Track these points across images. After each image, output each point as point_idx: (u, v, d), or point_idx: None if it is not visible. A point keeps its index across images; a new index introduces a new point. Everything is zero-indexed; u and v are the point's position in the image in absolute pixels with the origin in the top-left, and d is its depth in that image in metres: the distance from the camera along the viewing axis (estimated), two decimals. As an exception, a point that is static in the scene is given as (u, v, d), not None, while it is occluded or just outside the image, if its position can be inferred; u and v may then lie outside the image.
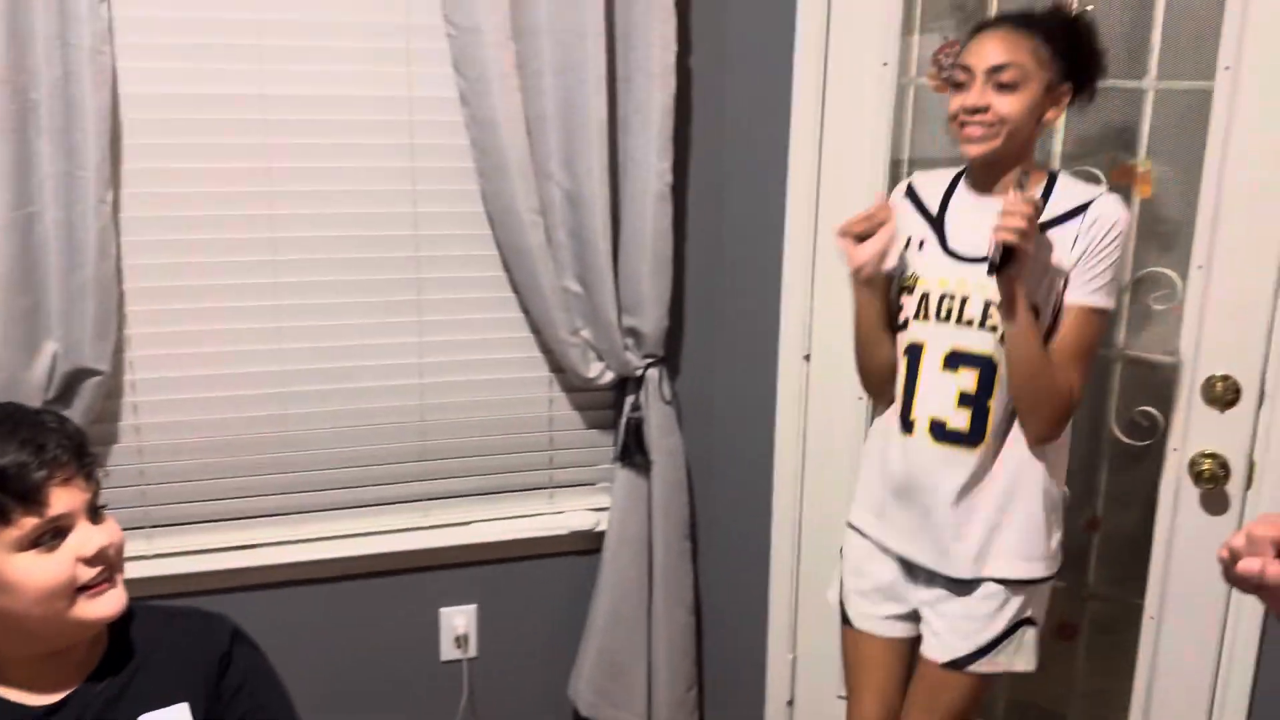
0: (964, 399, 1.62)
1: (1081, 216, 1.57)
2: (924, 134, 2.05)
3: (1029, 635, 1.69)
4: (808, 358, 2.13)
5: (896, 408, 1.71)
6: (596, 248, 2.04)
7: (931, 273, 1.66)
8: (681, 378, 2.26)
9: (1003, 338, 1.57)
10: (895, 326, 1.72)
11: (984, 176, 1.64)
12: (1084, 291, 1.57)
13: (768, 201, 2.09)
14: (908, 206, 1.73)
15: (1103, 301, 1.59)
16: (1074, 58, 1.58)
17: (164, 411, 1.99)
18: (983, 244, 1.56)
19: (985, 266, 1.54)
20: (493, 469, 2.23)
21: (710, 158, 2.13)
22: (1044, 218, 1.56)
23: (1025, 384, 1.58)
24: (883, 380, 1.75)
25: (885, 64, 1.93)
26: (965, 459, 1.63)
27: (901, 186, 1.77)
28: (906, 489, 1.70)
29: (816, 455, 2.16)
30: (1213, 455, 1.76)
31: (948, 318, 1.63)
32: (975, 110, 1.55)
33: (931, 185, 1.73)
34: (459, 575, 2.23)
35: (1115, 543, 2.02)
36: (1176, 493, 1.81)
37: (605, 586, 2.23)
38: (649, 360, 2.16)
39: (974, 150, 1.57)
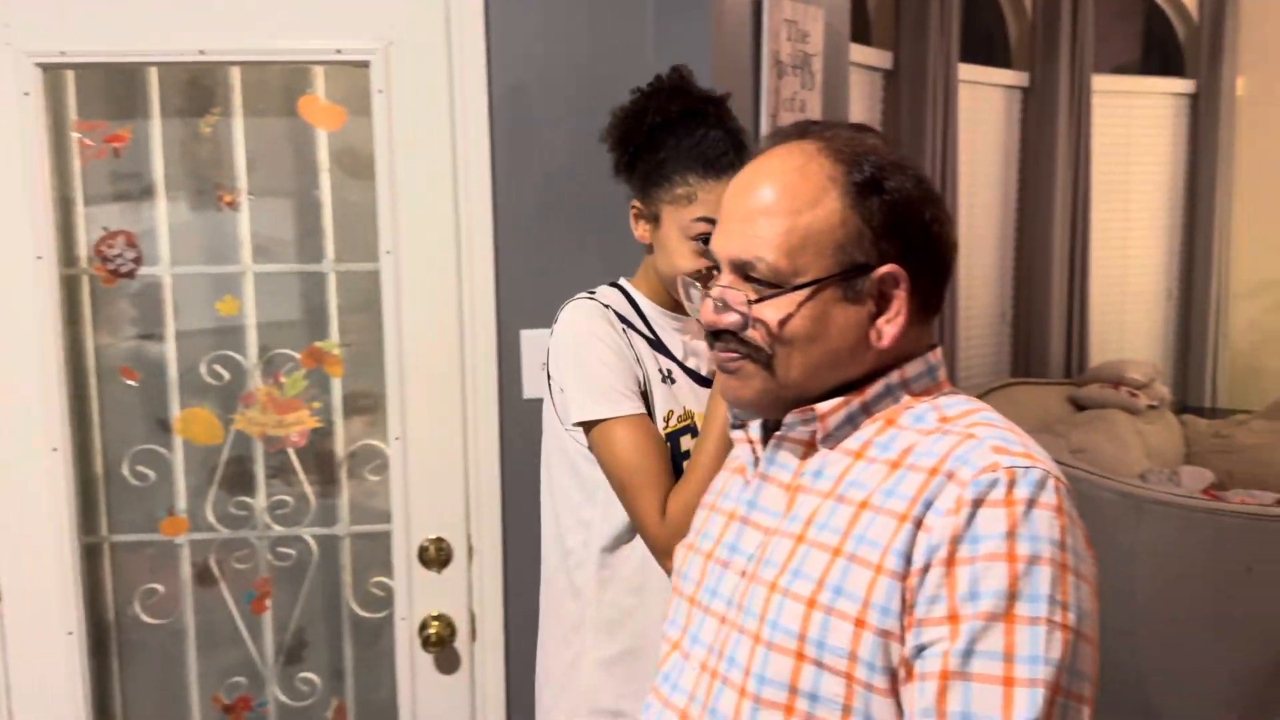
0: None
1: None
2: (104, 318, 1.87)
3: None
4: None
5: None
6: None
7: (700, 406, 1.44)
8: None
9: None
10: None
11: (667, 291, 1.46)
12: None
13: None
14: (631, 335, 1.43)
15: None
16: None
17: None
18: (700, 362, 1.48)
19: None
20: None
21: None
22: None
23: None
24: None
25: (40, 257, 1.72)
26: None
27: (602, 313, 1.42)
28: None
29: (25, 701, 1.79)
30: (439, 616, 1.82)
31: None
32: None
33: (622, 310, 1.46)
34: None
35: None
36: (412, 659, 1.83)
37: None
38: None
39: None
